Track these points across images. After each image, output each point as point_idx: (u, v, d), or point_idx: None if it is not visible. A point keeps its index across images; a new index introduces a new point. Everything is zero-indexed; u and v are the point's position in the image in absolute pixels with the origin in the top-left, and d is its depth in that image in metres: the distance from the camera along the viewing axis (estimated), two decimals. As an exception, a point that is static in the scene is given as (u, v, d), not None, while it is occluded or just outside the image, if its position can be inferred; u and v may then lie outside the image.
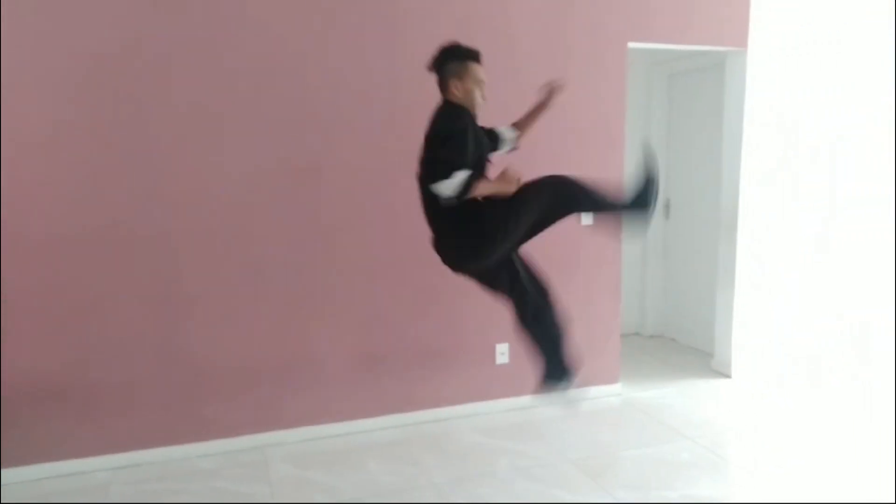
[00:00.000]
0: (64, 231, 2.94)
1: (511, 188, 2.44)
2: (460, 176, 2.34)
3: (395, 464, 3.11)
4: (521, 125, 2.85)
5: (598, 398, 3.89)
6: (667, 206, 5.07)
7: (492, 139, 2.72)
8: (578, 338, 3.83)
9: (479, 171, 2.48)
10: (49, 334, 2.97)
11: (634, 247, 5.14)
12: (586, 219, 3.74)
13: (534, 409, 3.72)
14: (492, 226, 2.46)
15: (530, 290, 2.68)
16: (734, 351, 4.23)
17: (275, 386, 3.32)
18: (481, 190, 2.41)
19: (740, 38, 3.95)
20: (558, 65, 3.58)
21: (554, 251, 3.70)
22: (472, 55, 2.55)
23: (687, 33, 3.83)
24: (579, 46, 3.62)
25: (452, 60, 2.52)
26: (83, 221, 2.96)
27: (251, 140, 3.15)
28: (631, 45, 3.73)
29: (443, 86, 2.55)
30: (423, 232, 3.45)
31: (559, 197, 2.55)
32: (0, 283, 2.86)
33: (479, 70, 2.55)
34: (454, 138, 2.40)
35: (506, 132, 2.80)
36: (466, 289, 3.57)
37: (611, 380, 3.97)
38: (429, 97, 2.55)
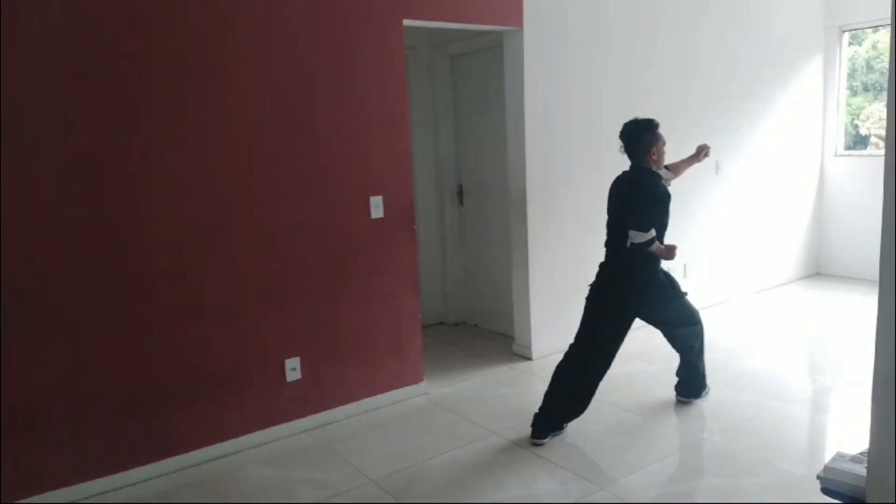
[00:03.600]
0: None
1: (671, 258, 3.09)
2: (652, 233, 3.01)
3: (162, 522, 2.59)
4: (674, 170, 3.43)
5: (403, 401, 3.64)
6: (460, 193, 4.96)
7: None
8: (380, 339, 3.58)
9: (663, 227, 3.16)
10: None
11: (432, 236, 4.99)
12: (376, 212, 3.46)
13: (333, 424, 3.37)
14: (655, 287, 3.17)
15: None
16: (533, 332, 4.22)
17: (-6, 450, 2.60)
18: (654, 248, 3.03)
19: (516, 18, 3.88)
20: (332, 41, 3.22)
21: (346, 250, 3.37)
22: (658, 125, 3.11)
23: (462, 11, 3.67)
24: (353, 22, 3.28)
25: (647, 132, 3.08)
26: None
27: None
28: (406, 22, 3.47)
29: (639, 154, 3.10)
30: (183, 240, 2.93)
31: (689, 326, 3.30)
32: None
33: (663, 136, 3.14)
34: (664, 203, 3.09)
35: (663, 173, 3.27)
36: (245, 301, 3.11)
37: (415, 379, 3.74)
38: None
